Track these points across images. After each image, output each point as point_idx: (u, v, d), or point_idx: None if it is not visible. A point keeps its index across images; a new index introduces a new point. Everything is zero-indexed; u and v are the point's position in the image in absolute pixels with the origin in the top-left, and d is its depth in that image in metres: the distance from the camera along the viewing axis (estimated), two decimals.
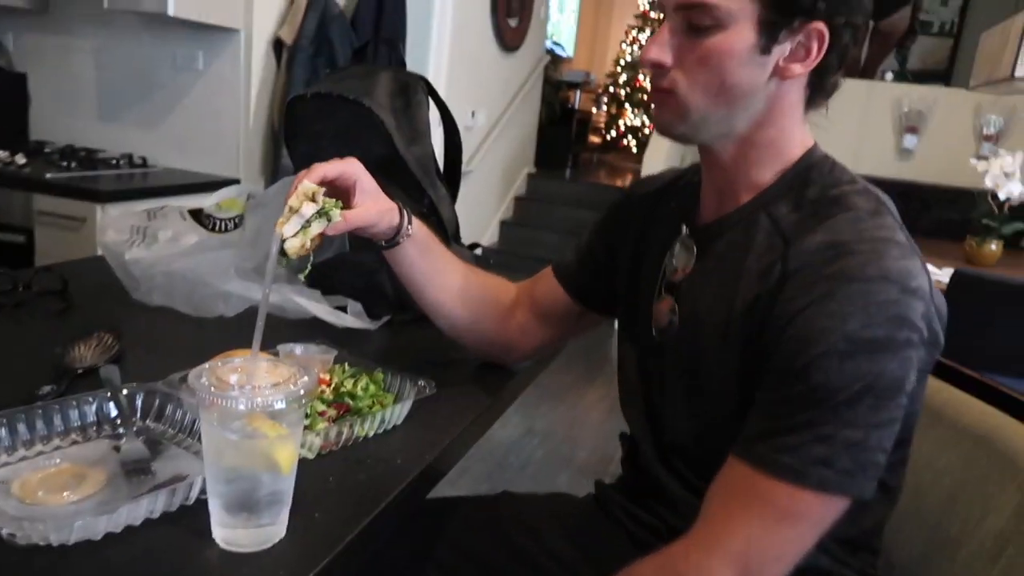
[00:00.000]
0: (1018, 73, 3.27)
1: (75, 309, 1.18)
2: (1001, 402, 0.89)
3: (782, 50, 0.74)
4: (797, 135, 0.80)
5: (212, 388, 0.60)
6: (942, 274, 2.84)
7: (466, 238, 1.40)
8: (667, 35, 0.77)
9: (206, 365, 0.63)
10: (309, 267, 0.87)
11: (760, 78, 0.75)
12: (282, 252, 0.81)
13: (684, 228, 0.86)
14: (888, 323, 0.66)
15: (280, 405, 0.61)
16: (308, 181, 0.82)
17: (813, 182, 0.77)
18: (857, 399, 0.66)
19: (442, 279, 1.02)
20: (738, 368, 0.75)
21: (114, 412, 0.80)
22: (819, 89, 0.78)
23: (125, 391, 0.81)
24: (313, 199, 0.81)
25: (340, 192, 0.88)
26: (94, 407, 0.79)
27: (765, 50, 0.73)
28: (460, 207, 1.35)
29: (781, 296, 0.71)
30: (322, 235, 0.83)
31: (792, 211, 0.76)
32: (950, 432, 0.91)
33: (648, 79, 0.81)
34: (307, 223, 0.81)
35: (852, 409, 0.66)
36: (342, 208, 0.84)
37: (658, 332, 0.87)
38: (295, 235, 0.80)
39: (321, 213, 0.82)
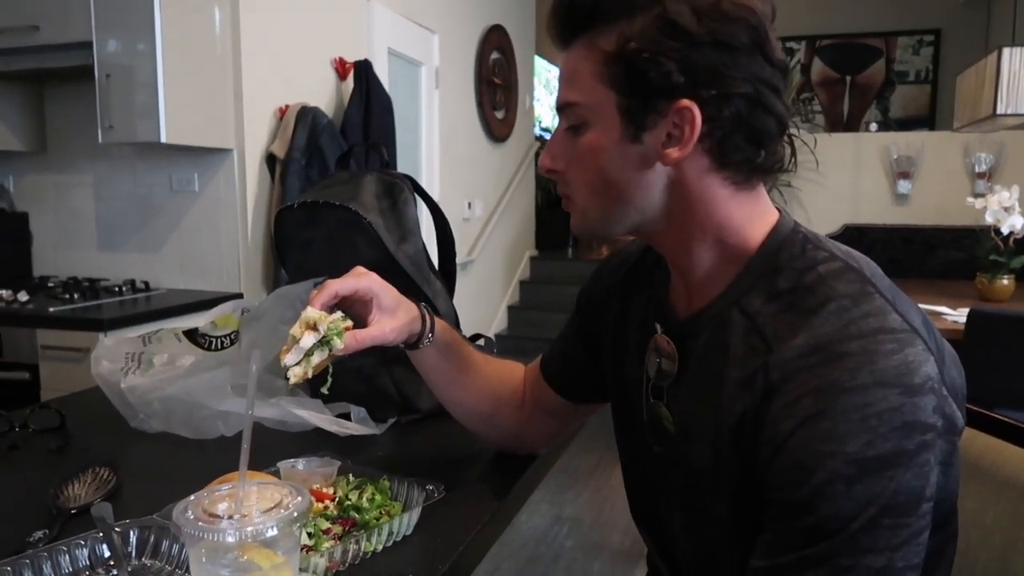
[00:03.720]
0: (999, 110, 3.32)
1: (73, 444, 1.15)
2: None
3: (657, 136, 0.68)
4: (743, 216, 0.72)
5: (199, 522, 0.57)
6: (958, 315, 2.80)
7: (475, 326, 1.39)
8: (557, 139, 0.75)
9: (191, 497, 0.60)
10: (329, 379, 0.85)
11: (642, 169, 0.70)
12: (286, 377, 0.80)
13: (659, 327, 0.79)
14: (894, 434, 0.58)
15: (272, 532, 0.57)
16: (313, 307, 0.81)
17: (784, 267, 0.69)
18: (873, 523, 0.58)
19: (464, 378, 1.00)
20: (736, 492, 0.69)
21: (107, 553, 0.76)
22: (732, 167, 0.69)
23: (118, 529, 0.77)
24: (315, 327, 0.80)
25: (357, 307, 0.87)
26: (86, 550, 0.75)
27: (635, 139, 0.69)
28: (466, 297, 1.34)
29: (768, 416, 0.64)
30: (330, 358, 0.81)
31: (767, 303, 0.68)
32: (992, 484, 0.86)
33: None
34: (309, 352, 0.79)
35: (870, 535, 0.59)
36: (356, 326, 0.84)
37: (656, 443, 0.80)
38: (297, 363, 0.79)
39: (323, 342, 0.80)
